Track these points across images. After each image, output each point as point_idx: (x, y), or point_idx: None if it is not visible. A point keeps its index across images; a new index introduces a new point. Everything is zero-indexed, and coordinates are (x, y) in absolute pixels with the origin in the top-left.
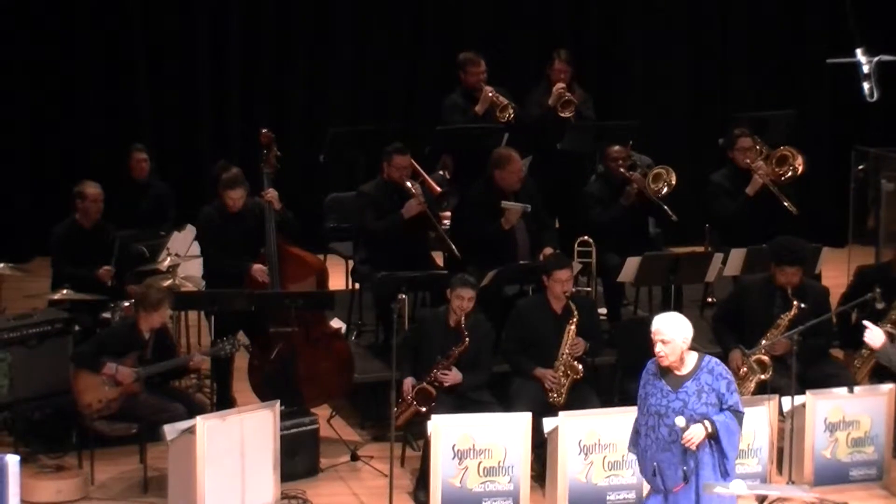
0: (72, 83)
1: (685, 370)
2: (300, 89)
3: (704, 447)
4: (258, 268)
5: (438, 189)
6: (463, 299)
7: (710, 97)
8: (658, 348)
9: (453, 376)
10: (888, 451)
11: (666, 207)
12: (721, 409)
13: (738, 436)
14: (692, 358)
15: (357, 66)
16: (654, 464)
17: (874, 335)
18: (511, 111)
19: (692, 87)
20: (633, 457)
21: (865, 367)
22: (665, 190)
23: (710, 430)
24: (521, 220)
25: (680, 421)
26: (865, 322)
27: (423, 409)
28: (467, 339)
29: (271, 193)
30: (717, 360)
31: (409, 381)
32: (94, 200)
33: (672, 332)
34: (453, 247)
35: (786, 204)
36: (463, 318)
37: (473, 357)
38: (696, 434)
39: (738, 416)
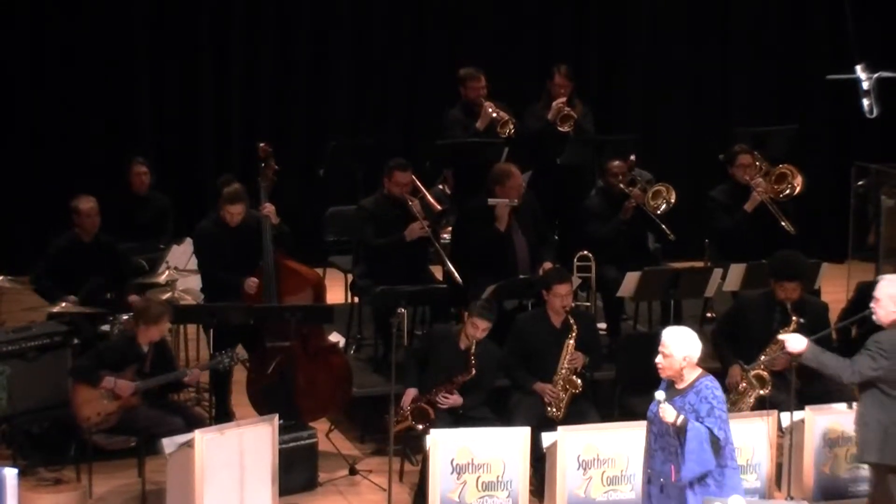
0: (72, 96)
1: (681, 385)
2: (301, 102)
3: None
4: (250, 281)
5: (438, 207)
6: (477, 328)
7: (711, 112)
8: (658, 359)
9: (453, 400)
10: None
11: (664, 227)
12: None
13: (705, 455)
14: (692, 375)
15: (358, 80)
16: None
17: (795, 341)
18: (512, 126)
19: (693, 102)
20: (632, 472)
21: None
22: (664, 207)
23: (679, 422)
24: (521, 234)
25: (659, 395)
26: (782, 335)
27: (420, 428)
28: (474, 369)
29: (269, 208)
30: (713, 384)
31: (411, 392)
32: (88, 215)
33: (674, 347)
34: (455, 273)
35: (783, 224)
36: (473, 346)
37: (476, 382)
38: (667, 412)
39: (713, 437)
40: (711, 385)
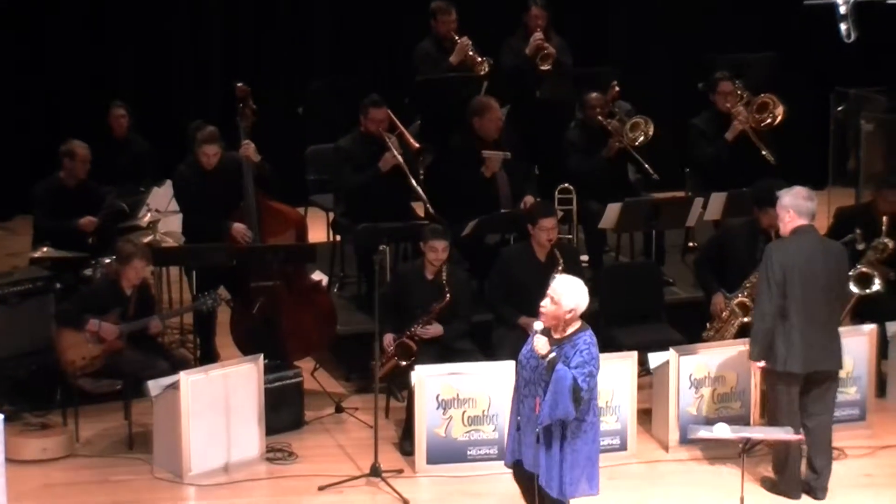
0: (52, 41)
1: (559, 336)
2: (280, 42)
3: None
4: (239, 227)
5: (416, 144)
6: (437, 251)
7: (691, 41)
8: (545, 303)
9: (434, 330)
10: (870, 391)
11: (648, 167)
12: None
13: (564, 400)
14: (572, 328)
15: (336, 19)
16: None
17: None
18: (486, 66)
19: (672, 31)
20: (616, 403)
21: None
22: (641, 139)
23: (549, 357)
24: (502, 169)
25: (538, 325)
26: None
27: (405, 364)
28: (448, 295)
29: (249, 145)
30: (591, 340)
31: (389, 336)
32: (83, 161)
33: (563, 296)
34: (426, 199)
35: (764, 153)
36: (444, 272)
37: (453, 309)
38: (540, 343)
39: (576, 386)
40: (590, 341)
